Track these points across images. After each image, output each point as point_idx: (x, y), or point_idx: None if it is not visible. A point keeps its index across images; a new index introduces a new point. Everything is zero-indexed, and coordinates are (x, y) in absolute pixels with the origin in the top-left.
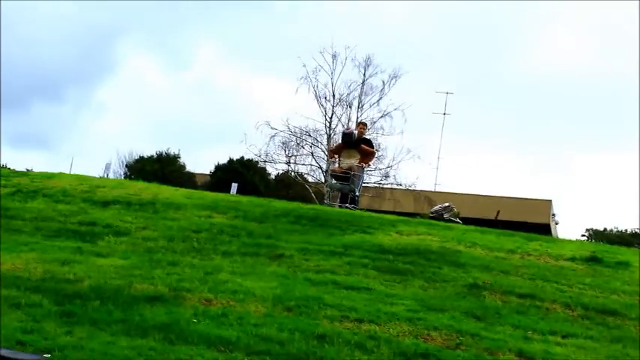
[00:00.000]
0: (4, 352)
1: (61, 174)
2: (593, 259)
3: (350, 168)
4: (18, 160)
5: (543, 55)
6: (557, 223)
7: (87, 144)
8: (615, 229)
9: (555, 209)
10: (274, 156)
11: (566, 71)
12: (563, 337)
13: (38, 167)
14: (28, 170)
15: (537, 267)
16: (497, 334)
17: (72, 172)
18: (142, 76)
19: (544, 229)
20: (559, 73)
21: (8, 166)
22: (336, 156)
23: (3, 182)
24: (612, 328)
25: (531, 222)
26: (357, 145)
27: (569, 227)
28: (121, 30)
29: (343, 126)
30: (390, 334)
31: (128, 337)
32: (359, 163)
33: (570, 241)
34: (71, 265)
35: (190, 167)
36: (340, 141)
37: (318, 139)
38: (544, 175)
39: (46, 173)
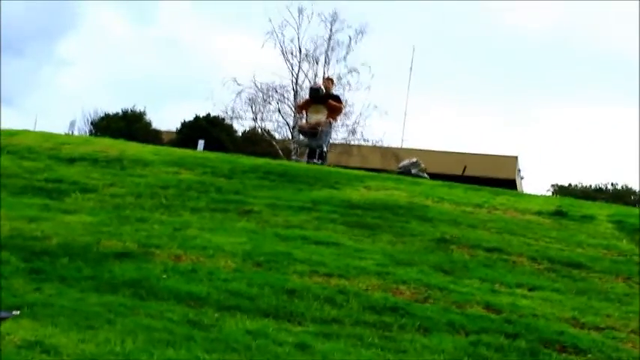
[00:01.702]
0: None
1: (25, 131)
2: (558, 213)
3: (317, 123)
4: None
5: (507, 10)
6: (522, 179)
7: (51, 101)
8: (580, 185)
9: (521, 165)
10: (241, 112)
11: (531, 26)
12: (530, 289)
13: (1, 125)
14: None
15: (504, 221)
16: (465, 287)
17: (36, 130)
18: (105, 31)
19: (510, 185)
20: (524, 28)
21: None
22: (304, 112)
23: None
24: (577, 281)
25: (498, 177)
26: (324, 100)
27: (535, 183)
28: None
29: (310, 82)
30: (359, 288)
31: (98, 293)
32: (326, 118)
33: (536, 196)
34: (38, 222)
35: (156, 124)
36: (307, 96)
37: (285, 95)
38: (510, 131)
39: (10, 130)
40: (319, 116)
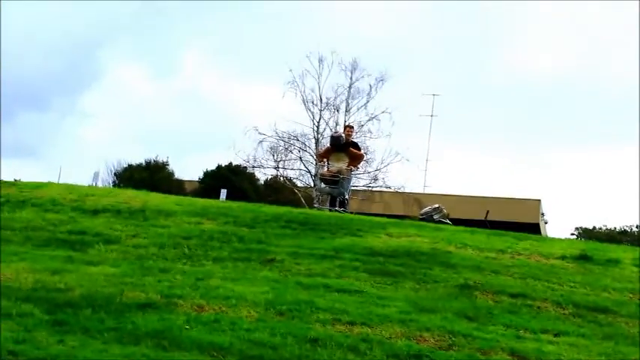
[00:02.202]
0: None
1: (49, 183)
2: (583, 257)
3: (339, 171)
4: (5, 171)
5: (529, 56)
6: (546, 223)
7: (74, 153)
8: (604, 227)
9: (544, 208)
10: (263, 161)
11: (551, 71)
12: (555, 335)
13: (26, 177)
14: (16, 180)
15: (528, 266)
16: (490, 333)
17: (60, 182)
18: (127, 84)
19: (533, 229)
20: (544, 73)
21: None
22: (325, 160)
23: None
24: (604, 326)
25: (521, 222)
26: (345, 148)
27: (559, 226)
28: (105, 38)
29: (331, 130)
30: (382, 336)
31: (121, 344)
32: (347, 166)
33: (560, 240)
34: (62, 274)
35: (179, 174)
36: (329, 144)
37: (307, 143)
38: (532, 174)
39: (35, 183)
40: (340, 164)
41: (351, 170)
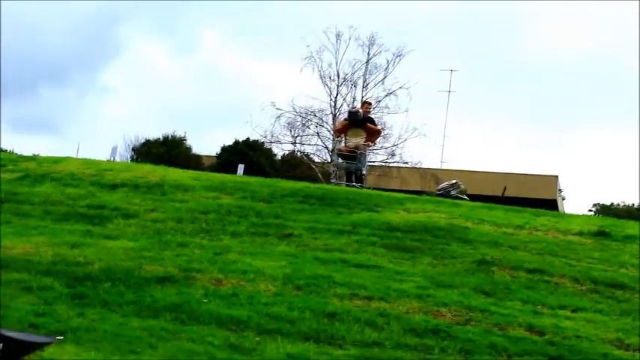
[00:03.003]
0: (17, 335)
1: (68, 158)
2: (601, 234)
3: (356, 147)
4: (25, 145)
5: (550, 32)
6: (563, 199)
7: (93, 128)
8: (622, 204)
9: (562, 185)
10: (280, 136)
11: (573, 48)
12: (573, 311)
13: (45, 152)
14: (35, 155)
15: (545, 242)
16: (507, 309)
17: (79, 156)
18: (147, 60)
19: (551, 205)
20: (565, 50)
21: (15, 151)
22: (342, 135)
23: (11, 167)
24: (621, 302)
25: (538, 198)
26: (362, 123)
27: (576, 203)
28: (126, 14)
29: (348, 105)
30: (399, 311)
31: (139, 318)
32: (365, 141)
33: (578, 216)
34: (81, 248)
35: (196, 149)
36: (346, 119)
37: (324, 119)
38: (550, 151)
39: (54, 157)
40: (358, 139)
41: (368, 146)
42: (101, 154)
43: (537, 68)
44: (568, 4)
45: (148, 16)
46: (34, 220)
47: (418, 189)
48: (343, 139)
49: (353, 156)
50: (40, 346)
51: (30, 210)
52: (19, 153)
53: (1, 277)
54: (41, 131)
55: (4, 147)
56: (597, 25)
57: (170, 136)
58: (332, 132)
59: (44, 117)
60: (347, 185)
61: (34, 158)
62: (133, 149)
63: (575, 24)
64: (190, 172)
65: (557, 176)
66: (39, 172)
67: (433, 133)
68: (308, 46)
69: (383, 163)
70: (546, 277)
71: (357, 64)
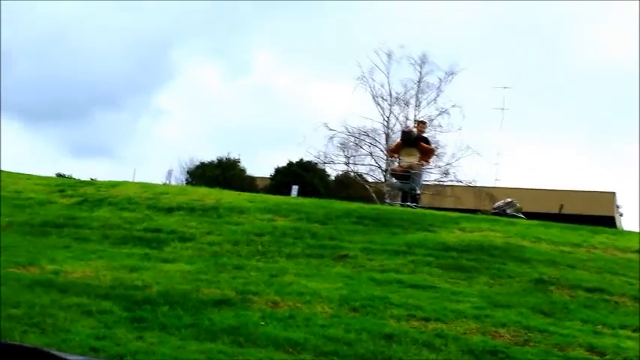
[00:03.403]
0: (79, 359)
1: (125, 182)
2: None
3: (410, 166)
4: (82, 170)
5: (606, 46)
6: (621, 215)
7: (148, 151)
8: None
9: (619, 201)
10: (333, 157)
11: (633, 55)
12: (634, 330)
13: (102, 176)
14: (92, 180)
15: (604, 260)
16: (566, 329)
17: (135, 180)
18: (200, 82)
19: (608, 222)
20: (625, 57)
21: (74, 176)
22: (396, 155)
23: (70, 192)
24: None
25: (595, 215)
26: (416, 143)
27: (635, 219)
28: (178, 38)
29: (401, 125)
30: (457, 331)
31: (197, 341)
32: (419, 161)
33: (637, 233)
34: (139, 271)
35: (250, 171)
36: (399, 139)
37: (377, 138)
38: (606, 167)
39: (111, 182)
40: (411, 159)
41: (422, 165)
42: (157, 177)
43: (595, 78)
44: (626, 4)
45: (202, 38)
46: (92, 244)
47: (472, 208)
48: (397, 159)
49: (407, 176)
50: None
51: (89, 234)
52: (77, 178)
53: (62, 301)
54: (98, 155)
55: (62, 171)
56: None
57: (224, 159)
58: (385, 152)
59: (100, 141)
60: (401, 205)
61: (92, 183)
62: (187, 172)
63: (632, 33)
64: (245, 195)
65: (614, 192)
66: (97, 196)
67: (487, 151)
68: (360, 66)
69: (437, 182)
70: (606, 296)
71: (409, 84)
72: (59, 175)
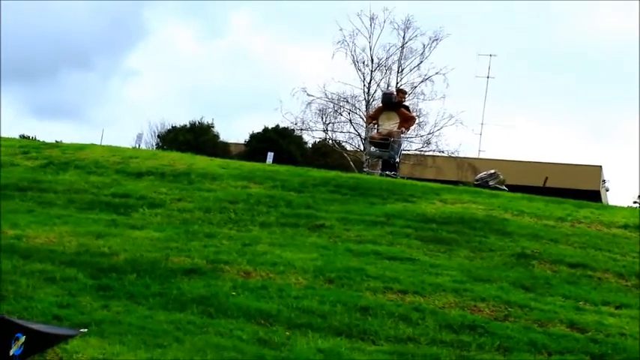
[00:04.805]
0: (41, 327)
1: (92, 145)
2: None
3: (389, 134)
4: (46, 132)
5: (593, 18)
6: (607, 190)
7: (117, 113)
8: None
9: (606, 175)
10: (311, 124)
11: (616, 35)
12: (617, 307)
13: (68, 138)
14: (58, 142)
15: (588, 235)
16: (548, 304)
17: (103, 143)
18: (173, 43)
19: (594, 196)
20: (613, 31)
21: (38, 138)
22: (375, 122)
23: (34, 154)
24: None
25: (580, 189)
26: (396, 107)
27: (621, 194)
28: None
29: (382, 91)
30: (435, 305)
31: (166, 310)
32: (398, 127)
33: (622, 208)
34: (106, 238)
35: (224, 137)
36: (380, 103)
37: (357, 105)
38: (593, 141)
39: (77, 144)
40: (391, 124)
41: (401, 132)
42: (126, 141)
43: (582, 51)
44: None
45: None
46: (57, 209)
47: (454, 179)
48: (376, 126)
49: (386, 144)
50: (64, 338)
51: (53, 198)
52: (41, 140)
53: (24, 267)
54: (64, 117)
55: (26, 133)
56: None
57: (197, 123)
58: (365, 119)
59: (67, 102)
60: (381, 174)
61: (57, 145)
62: (158, 136)
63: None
64: (218, 161)
65: (600, 166)
66: (62, 159)
67: (470, 121)
68: (341, 29)
69: (418, 152)
70: (589, 272)
71: (391, 49)
72: (23, 137)
